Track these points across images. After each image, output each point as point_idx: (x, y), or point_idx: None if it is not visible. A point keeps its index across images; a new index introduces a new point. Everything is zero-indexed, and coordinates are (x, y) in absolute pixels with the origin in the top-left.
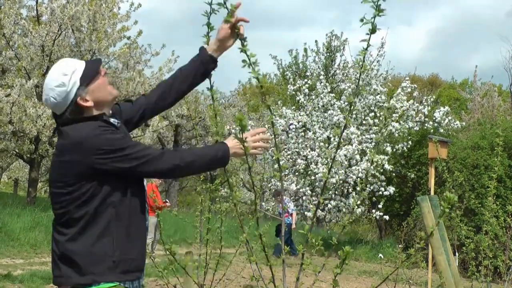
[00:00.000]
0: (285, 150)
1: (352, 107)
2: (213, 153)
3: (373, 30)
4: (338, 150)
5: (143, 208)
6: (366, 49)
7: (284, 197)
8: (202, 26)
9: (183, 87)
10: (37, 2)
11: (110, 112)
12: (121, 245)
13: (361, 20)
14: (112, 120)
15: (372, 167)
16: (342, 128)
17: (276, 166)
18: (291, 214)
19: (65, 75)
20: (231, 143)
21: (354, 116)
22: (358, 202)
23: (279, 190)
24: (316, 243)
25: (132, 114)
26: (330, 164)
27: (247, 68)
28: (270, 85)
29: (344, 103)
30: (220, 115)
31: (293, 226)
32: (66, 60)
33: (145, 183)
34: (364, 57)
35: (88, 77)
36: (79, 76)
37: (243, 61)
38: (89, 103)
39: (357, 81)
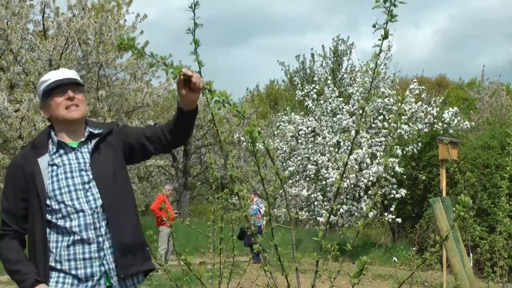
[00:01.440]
0: (295, 156)
1: (364, 112)
2: (12, 272)
3: (385, 36)
4: (347, 155)
5: None
6: (378, 54)
7: (257, 198)
8: (189, 44)
9: (174, 136)
10: (43, 17)
11: (84, 126)
12: None
13: (373, 26)
14: (56, 139)
15: (383, 170)
16: (354, 133)
17: (286, 172)
18: (263, 216)
19: (41, 81)
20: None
21: (363, 119)
22: (370, 206)
23: (254, 189)
24: (332, 249)
25: (136, 140)
26: (342, 170)
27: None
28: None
29: (352, 107)
30: (229, 123)
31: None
32: (58, 70)
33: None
34: (376, 63)
35: (45, 93)
36: (42, 88)
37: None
38: (46, 115)
39: (369, 86)
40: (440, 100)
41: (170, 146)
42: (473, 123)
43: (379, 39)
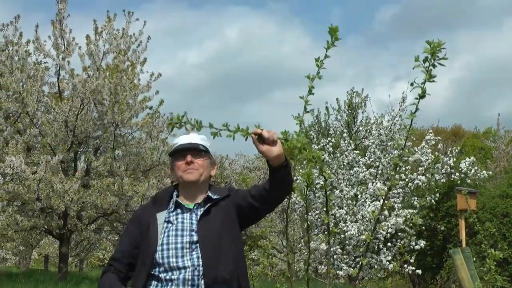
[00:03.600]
0: (313, 209)
1: (397, 168)
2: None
3: (422, 95)
4: (369, 208)
5: None
6: (415, 113)
7: None
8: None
9: (272, 192)
10: (58, 79)
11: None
12: None
13: (411, 84)
14: (175, 198)
15: (402, 221)
16: (388, 188)
17: (305, 225)
18: None
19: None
20: None
21: (380, 172)
22: (389, 258)
23: None
24: None
25: (243, 199)
26: (374, 225)
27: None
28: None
29: (368, 160)
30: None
31: None
32: (188, 135)
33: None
34: (412, 121)
35: (170, 156)
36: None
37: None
38: (172, 177)
39: (404, 143)
40: (456, 150)
41: (273, 202)
42: (490, 172)
43: (416, 98)
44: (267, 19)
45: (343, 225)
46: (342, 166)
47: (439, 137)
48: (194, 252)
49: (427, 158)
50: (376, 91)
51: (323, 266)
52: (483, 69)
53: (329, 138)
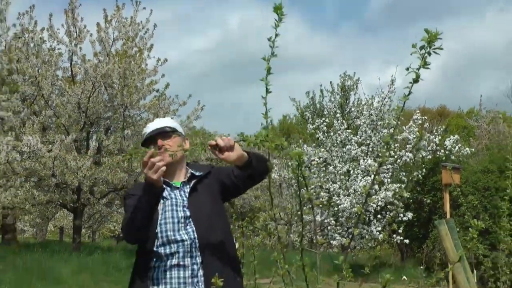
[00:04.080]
0: (309, 184)
1: (388, 147)
2: (138, 202)
3: (416, 80)
4: (361, 183)
5: None
6: (408, 95)
7: None
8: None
9: (250, 179)
10: (71, 64)
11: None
12: None
13: (407, 69)
14: (162, 179)
15: (391, 195)
16: (378, 164)
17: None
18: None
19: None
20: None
21: (370, 149)
22: (379, 229)
23: None
24: (348, 274)
25: (227, 178)
26: (364, 198)
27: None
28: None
29: (360, 138)
30: None
31: None
32: (154, 121)
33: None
34: (404, 103)
35: (143, 145)
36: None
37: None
38: None
39: (396, 123)
40: (441, 129)
41: (254, 183)
42: (473, 149)
43: (410, 82)
44: (268, 8)
45: (337, 198)
46: (335, 144)
47: (425, 117)
48: (188, 226)
49: (414, 136)
50: (367, 75)
51: (318, 236)
52: (467, 55)
53: (323, 118)
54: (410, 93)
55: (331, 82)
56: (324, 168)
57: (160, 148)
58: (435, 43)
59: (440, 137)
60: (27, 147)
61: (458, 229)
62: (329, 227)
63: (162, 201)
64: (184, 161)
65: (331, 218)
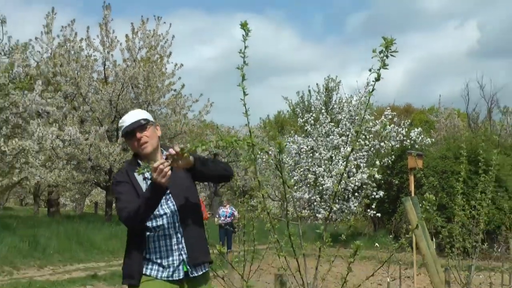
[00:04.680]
0: (298, 168)
1: (358, 134)
2: (145, 200)
3: (377, 79)
4: (341, 166)
5: None
6: (372, 92)
7: (229, 204)
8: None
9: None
10: (104, 68)
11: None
12: None
13: (370, 70)
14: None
15: (366, 177)
16: (350, 150)
17: (292, 180)
18: (235, 217)
19: (119, 125)
20: (153, 180)
21: (349, 139)
22: (356, 204)
23: (227, 198)
24: (327, 240)
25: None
26: (339, 179)
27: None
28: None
29: (341, 130)
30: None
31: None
32: (128, 115)
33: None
34: (369, 98)
35: (123, 137)
36: (120, 132)
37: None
38: (132, 150)
39: (363, 115)
40: (407, 123)
41: (207, 181)
42: (433, 140)
43: (373, 81)
44: (266, 22)
45: (321, 180)
46: (321, 135)
47: (394, 113)
48: (169, 202)
49: (385, 129)
50: (347, 78)
51: (305, 211)
52: (429, 61)
53: (311, 114)
54: (373, 89)
55: (317, 84)
56: (311, 154)
57: (140, 140)
58: (392, 47)
59: (406, 130)
60: (68, 136)
61: (420, 205)
62: (315, 203)
63: (145, 181)
64: (159, 145)
65: (317, 196)
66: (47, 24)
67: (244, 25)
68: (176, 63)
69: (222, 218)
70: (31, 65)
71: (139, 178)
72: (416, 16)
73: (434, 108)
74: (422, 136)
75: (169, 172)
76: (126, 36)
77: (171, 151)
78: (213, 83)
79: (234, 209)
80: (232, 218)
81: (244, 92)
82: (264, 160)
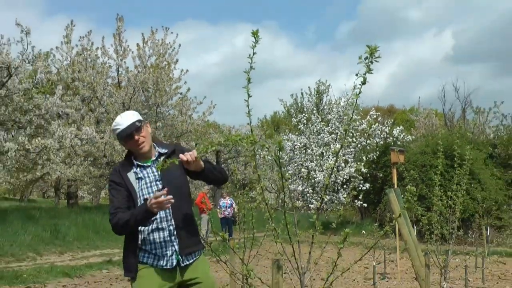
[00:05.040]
0: (293, 163)
1: (347, 132)
2: (134, 217)
3: (363, 82)
4: (331, 161)
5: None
6: (358, 94)
7: (228, 196)
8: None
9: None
10: (118, 74)
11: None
12: None
13: (356, 75)
14: (135, 163)
15: (353, 171)
16: (339, 147)
17: (287, 174)
18: (234, 208)
19: (113, 127)
20: (148, 204)
21: (338, 137)
22: (345, 196)
23: (226, 191)
24: (319, 228)
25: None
26: (330, 172)
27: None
28: (279, 119)
29: (331, 129)
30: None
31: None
32: (122, 117)
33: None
34: (356, 100)
35: (119, 139)
36: (116, 134)
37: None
38: (125, 148)
39: (351, 115)
40: (390, 122)
41: (202, 180)
42: (413, 137)
43: (359, 84)
44: (263, 32)
45: (314, 173)
46: (312, 133)
47: (379, 113)
48: (162, 197)
49: (370, 128)
50: (336, 81)
51: (299, 202)
52: (410, 66)
53: (303, 114)
54: (360, 92)
55: (309, 87)
56: (304, 151)
57: (138, 141)
58: (375, 54)
59: (389, 128)
60: (85, 135)
61: (402, 196)
62: (308, 195)
63: (137, 181)
64: (152, 144)
65: (310, 188)
66: (66, 35)
67: (254, 34)
68: (182, 69)
69: (223, 209)
70: (52, 71)
71: (132, 178)
72: (399, 25)
73: (414, 108)
74: (404, 134)
75: (167, 206)
76: (137, 45)
77: (183, 157)
78: (216, 86)
79: (233, 200)
80: (232, 209)
81: (248, 94)
82: (261, 156)
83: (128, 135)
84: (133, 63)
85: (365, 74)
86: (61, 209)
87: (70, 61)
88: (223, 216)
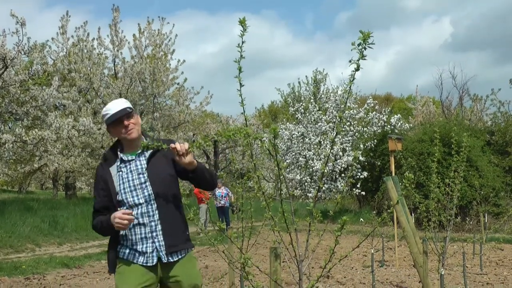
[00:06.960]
0: (290, 152)
1: (341, 120)
2: (101, 224)
3: (357, 69)
4: (329, 150)
5: None
6: (352, 81)
7: (224, 186)
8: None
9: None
10: (114, 64)
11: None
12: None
13: (350, 61)
14: (120, 155)
15: (351, 159)
16: (335, 134)
17: (285, 163)
18: (230, 197)
19: (103, 113)
20: (112, 218)
21: (335, 125)
22: (343, 184)
23: (221, 180)
24: (317, 215)
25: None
26: (325, 160)
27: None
28: (277, 108)
29: (328, 117)
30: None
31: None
32: (113, 103)
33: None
34: (350, 86)
35: (108, 125)
36: (105, 120)
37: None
38: (113, 136)
39: (345, 102)
40: (388, 110)
41: (191, 182)
42: (411, 125)
43: (352, 71)
44: (262, 21)
45: (311, 162)
46: (310, 122)
47: (376, 101)
48: (145, 190)
49: (367, 116)
50: (334, 70)
51: (297, 190)
52: (408, 54)
53: (301, 103)
54: (354, 78)
55: (306, 76)
56: (302, 140)
57: (127, 127)
58: (369, 40)
59: (387, 116)
60: (82, 126)
61: (400, 183)
62: (306, 183)
63: (118, 174)
64: (141, 135)
65: (307, 177)
66: (62, 26)
67: (242, 22)
68: (179, 59)
69: (219, 199)
70: (49, 63)
71: (114, 171)
72: (397, 13)
73: (412, 96)
74: (401, 122)
75: (128, 226)
76: (134, 35)
77: (173, 146)
78: (213, 76)
79: (228, 190)
80: (227, 198)
81: (240, 83)
82: (259, 145)
83: (117, 120)
84: (130, 53)
85: (358, 60)
86: (59, 201)
87: (66, 52)
88: (220, 205)
